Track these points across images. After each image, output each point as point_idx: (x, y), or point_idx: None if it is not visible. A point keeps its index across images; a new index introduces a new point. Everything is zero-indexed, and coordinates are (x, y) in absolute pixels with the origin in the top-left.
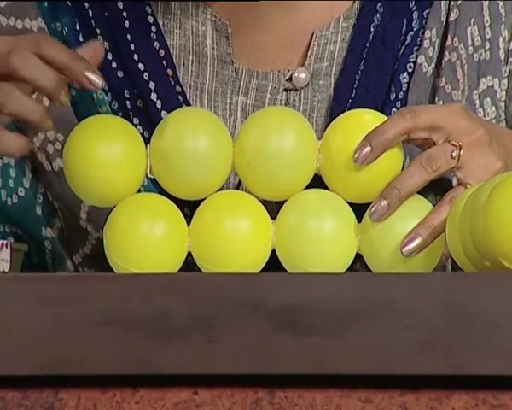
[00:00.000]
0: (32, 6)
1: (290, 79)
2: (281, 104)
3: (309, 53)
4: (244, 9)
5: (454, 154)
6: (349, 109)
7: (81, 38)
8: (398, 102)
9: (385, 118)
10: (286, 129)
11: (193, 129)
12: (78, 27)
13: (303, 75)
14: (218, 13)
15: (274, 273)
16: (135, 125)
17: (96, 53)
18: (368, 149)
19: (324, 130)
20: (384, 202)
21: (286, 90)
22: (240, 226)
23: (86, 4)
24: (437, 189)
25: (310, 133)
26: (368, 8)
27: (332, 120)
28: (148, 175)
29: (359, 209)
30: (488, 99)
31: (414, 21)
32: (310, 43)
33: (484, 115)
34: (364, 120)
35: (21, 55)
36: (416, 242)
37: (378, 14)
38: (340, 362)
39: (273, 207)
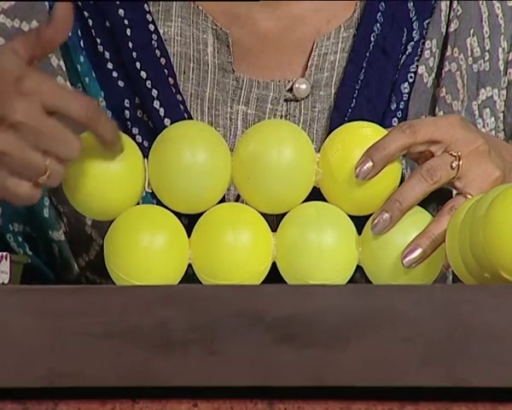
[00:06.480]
0: (41, 7)
1: (291, 90)
2: (281, 115)
3: (309, 63)
4: (244, 19)
5: (454, 164)
6: (349, 119)
7: (82, 44)
8: (399, 111)
9: (384, 131)
10: (284, 143)
11: (191, 143)
12: (79, 33)
13: (304, 86)
14: (219, 22)
15: (274, 285)
16: (134, 136)
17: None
18: (369, 164)
19: (324, 140)
20: (386, 215)
21: (286, 100)
22: (240, 239)
23: (86, 13)
24: (436, 198)
25: (308, 147)
26: (368, 17)
27: (332, 130)
28: (146, 189)
29: (359, 222)
30: (488, 110)
31: (414, 31)
32: (310, 53)
33: (483, 126)
34: (364, 133)
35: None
36: (417, 252)
37: (378, 24)
38: (339, 374)
39: (273, 220)
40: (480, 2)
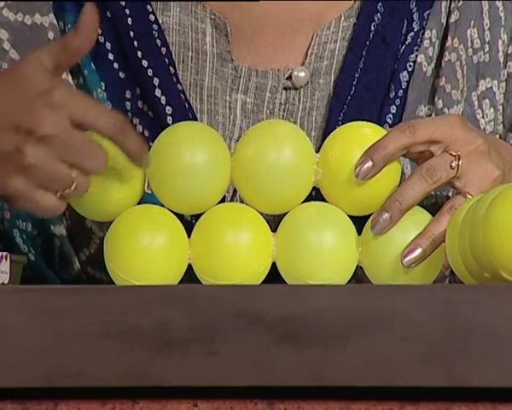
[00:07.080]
0: (43, 1)
1: (290, 78)
2: (280, 103)
3: (309, 52)
4: (243, 8)
5: (453, 164)
6: (348, 107)
7: None
8: (398, 100)
9: (384, 131)
10: (283, 143)
11: (190, 143)
12: None
13: (302, 74)
14: (217, 11)
15: (274, 285)
16: (134, 126)
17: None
18: (369, 164)
19: (323, 128)
20: (386, 215)
21: (285, 88)
22: (240, 239)
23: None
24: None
25: (308, 147)
26: (368, 7)
27: (331, 118)
28: (146, 190)
29: (359, 222)
30: (487, 100)
31: (414, 22)
32: (310, 41)
33: (482, 117)
34: (363, 133)
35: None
36: (417, 252)
37: (379, 14)
38: (339, 374)
39: (273, 220)
40: None
